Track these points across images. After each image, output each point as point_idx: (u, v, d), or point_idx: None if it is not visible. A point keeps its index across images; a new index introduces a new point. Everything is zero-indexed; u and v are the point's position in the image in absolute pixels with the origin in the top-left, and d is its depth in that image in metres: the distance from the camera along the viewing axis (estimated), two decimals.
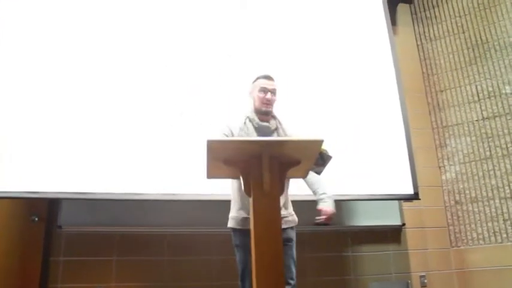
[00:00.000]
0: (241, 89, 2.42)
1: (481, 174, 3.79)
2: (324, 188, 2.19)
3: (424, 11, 4.37)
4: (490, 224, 3.67)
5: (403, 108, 3.59)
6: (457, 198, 3.86)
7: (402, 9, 4.40)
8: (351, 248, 3.52)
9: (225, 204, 2.23)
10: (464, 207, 3.81)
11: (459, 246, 3.77)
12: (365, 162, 3.27)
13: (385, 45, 3.74)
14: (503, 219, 3.62)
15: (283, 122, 2.28)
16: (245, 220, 2.02)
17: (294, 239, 2.15)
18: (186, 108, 3.03)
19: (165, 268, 3.08)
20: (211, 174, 1.70)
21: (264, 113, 2.22)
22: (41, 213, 3.01)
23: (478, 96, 3.93)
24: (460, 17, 4.17)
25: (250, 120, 2.20)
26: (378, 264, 3.52)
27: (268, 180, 1.56)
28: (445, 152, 4.00)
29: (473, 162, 3.85)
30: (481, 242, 3.68)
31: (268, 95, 2.21)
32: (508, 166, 3.68)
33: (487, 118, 3.85)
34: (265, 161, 1.57)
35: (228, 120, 2.25)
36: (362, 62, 3.60)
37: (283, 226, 2.06)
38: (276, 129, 2.23)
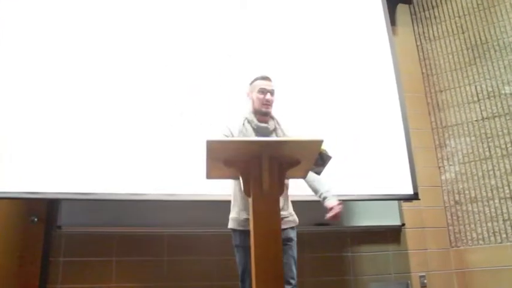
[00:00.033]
0: (241, 89, 2.41)
1: (480, 174, 3.79)
2: (327, 186, 2.18)
3: (424, 11, 4.37)
4: (489, 224, 3.67)
5: (403, 109, 3.59)
6: (457, 198, 3.86)
7: (402, 9, 4.40)
8: (350, 248, 3.52)
9: (225, 205, 2.23)
10: (464, 208, 3.81)
11: (459, 247, 3.77)
12: (365, 163, 3.27)
13: (385, 45, 3.74)
14: (503, 220, 3.63)
15: (282, 123, 2.29)
16: (246, 221, 2.02)
17: (295, 239, 2.15)
18: (186, 108, 3.03)
19: (165, 268, 3.08)
20: (210, 174, 1.70)
21: (264, 113, 2.22)
22: (41, 213, 3.00)
23: (478, 96, 3.93)
24: (459, 17, 4.17)
25: (248, 122, 2.21)
26: (377, 265, 3.52)
27: (268, 180, 1.57)
28: (444, 152, 4.00)
29: (472, 163, 3.85)
30: (480, 242, 3.69)
31: (268, 96, 2.21)
32: (508, 166, 3.68)
33: (486, 118, 3.86)
34: (265, 162, 1.57)
35: (228, 121, 2.25)
36: (361, 63, 3.59)
37: (284, 226, 2.07)
38: (275, 129, 2.24)
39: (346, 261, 3.48)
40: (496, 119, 3.81)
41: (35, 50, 2.88)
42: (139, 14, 3.17)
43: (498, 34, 3.94)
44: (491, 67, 3.92)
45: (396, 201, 3.66)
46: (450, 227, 3.84)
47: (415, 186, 3.42)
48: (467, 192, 3.83)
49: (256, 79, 2.27)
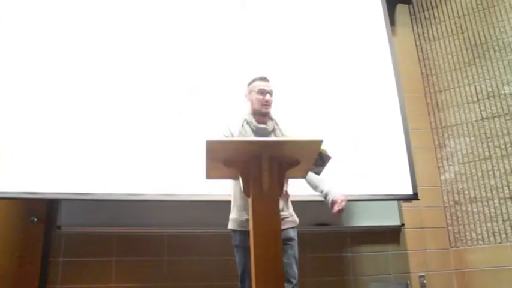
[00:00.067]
0: (241, 89, 2.41)
1: (480, 174, 3.79)
2: (329, 182, 2.18)
3: (423, 11, 4.38)
4: (489, 225, 3.67)
5: (402, 109, 3.59)
6: (456, 198, 3.86)
7: (401, 9, 4.40)
8: (350, 248, 3.52)
9: (225, 205, 2.23)
10: (464, 208, 3.81)
11: (458, 247, 3.78)
12: (364, 163, 3.27)
13: (384, 45, 3.74)
14: (503, 220, 3.63)
15: (280, 123, 2.29)
16: (247, 222, 2.02)
17: (295, 238, 2.15)
18: (186, 108, 3.03)
19: (165, 268, 3.08)
20: (210, 174, 1.70)
21: (263, 114, 2.23)
22: (40, 213, 3.00)
23: (477, 96, 3.94)
24: (459, 17, 4.17)
25: (247, 123, 2.21)
26: (377, 265, 3.52)
27: (268, 180, 1.57)
28: (444, 153, 4.00)
29: (472, 163, 3.85)
30: (480, 242, 3.69)
31: (267, 97, 2.22)
32: (507, 166, 3.68)
33: (486, 118, 3.86)
34: (265, 162, 1.57)
35: (228, 122, 2.25)
36: (361, 63, 3.60)
37: (284, 226, 2.08)
38: (273, 130, 2.24)
39: (346, 261, 3.48)
40: (496, 119, 3.81)
41: (35, 50, 2.88)
42: (139, 14, 3.17)
43: (498, 34, 3.94)
44: (490, 67, 3.92)
45: (396, 202, 3.66)
46: (450, 227, 3.84)
47: (414, 187, 3.43)
48: (466, 192, 3.83)
49: (254, 80, 2.27)
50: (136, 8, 3.18)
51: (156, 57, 3.10)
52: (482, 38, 4.01)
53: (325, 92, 3.38)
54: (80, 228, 2.96)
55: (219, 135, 2.18)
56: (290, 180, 2.11)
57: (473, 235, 3.73)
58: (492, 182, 3.72)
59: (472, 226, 3.75)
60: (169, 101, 3.02)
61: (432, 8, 4.33)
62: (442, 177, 3.96)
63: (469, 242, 3.73)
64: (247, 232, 1.75)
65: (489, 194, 3.72)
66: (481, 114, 3.89)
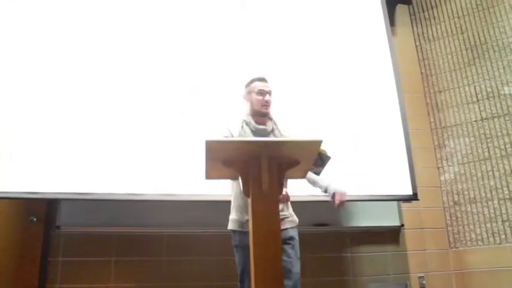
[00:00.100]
0: (241, 89, 2.41)
1: (479, 175, 3.79)
2: (328, 179, 2.19)
3: (423, 11, 4.38)
4: (488, 225, 3.67)
5: (402, 109, 3.59)
6: (456, 199, 3.86)
7: (401, 10, 4.40)
8: (349, 248, 3.52)
9: (225, 205, 2.23)
10: (463, 208, 3.81)
11: (458, 247, 3.78)
12: (364, 163, 3.27)
13: (384, 46, 3.74)
14: (502, 220, 3.63)
15: (279, 123, 2.29)
16: (247, 223, 2.02)
17: (297, 237, 2.16)
18: (186, 108, 3.03)
19: (164, 268, 3.07)
20: (210, 175, 1.70)
21: (263, 114, 2.23)
22: (40, 213, 3.00)
23: (477, 97, 3.94)
24: (458, 17, 4.18)
25: (247, 124, 2.22)
26: (376, 265, 3.52)
27: (267, 180, 1.57)
28: (443, 153, 4.00)
29: (472, 163, 3.85)
30: (479, 243, 3.69)
31: (267, 97, 2.22)
32: (507, 167, 3.68)
33: (485, 119, 3.86)
34: (264, 162, 1.57)
35: (228, 122, 2.25)
36: (361, 63, 3.60)
37: (285, 226, 2.09)
38: (272, 130, 2.24)
39: (346, 262, 3.48)
40: (495, 119, 3.81)
41: (35, 50, 2.88)
42: (140, 14, 3.18)
43: (497, 35, 3.94)
44: (490, 68, 3.92)
45: (395, 202, 3.66)
46: (449, 228, 3.84)
47: (414, 187, 3.43)
48: (466, 193, 3.83)
49: (252, 81, 2.27)
50: (136, 8, 3.19)
51: (156, 57, 3.10)
52: (482, 39, 4.01)
53: (325, 92, 3.39)
54: (80, 228, 2.96)
55: (218, 136, 2.18)
56: (289, 181, 2.11)
57: (473, 236, 3.73)
58: (492, 183, 3.72)
59: (471, 227, 3.75)
60: (169, 101, 3.02)
61: (432, 8, 4.34)
62: (442, 178, 3.96)
63: (469, 242, 3.73)
64: (247, 232, 1.75)
65: (489, 195, 3.72)
66: (480, 114, 3.89)
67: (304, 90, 3.32)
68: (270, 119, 2.27)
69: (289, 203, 2.21)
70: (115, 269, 3.00)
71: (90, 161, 2.76)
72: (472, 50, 4.04)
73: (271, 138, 2.13)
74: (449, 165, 3.95)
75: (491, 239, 3.64)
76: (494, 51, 3.92)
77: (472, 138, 3.89)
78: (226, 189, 2.25)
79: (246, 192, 1.59)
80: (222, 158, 1.60)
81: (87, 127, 2.82)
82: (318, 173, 2.05)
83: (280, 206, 2.01)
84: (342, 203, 2.12)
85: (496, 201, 3.68)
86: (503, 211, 3.64)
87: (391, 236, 3.67)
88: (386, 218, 3.64)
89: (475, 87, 3.96)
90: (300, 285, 2.08)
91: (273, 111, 2.28)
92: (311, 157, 1.72)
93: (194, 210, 2.99)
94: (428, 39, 4.29)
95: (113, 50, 3.03)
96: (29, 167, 2.66)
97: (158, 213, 3.00)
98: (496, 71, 3.89)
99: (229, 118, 2.42)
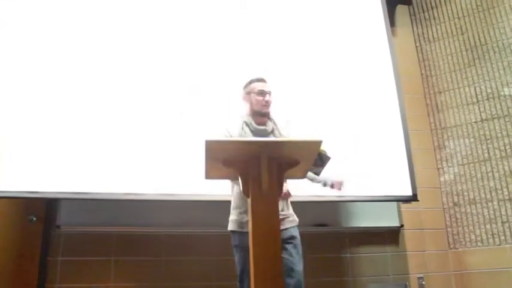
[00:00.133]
0: (240, 90, 2.41)
1: (479, 176, 3.79)
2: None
3: (423, 12, 4.38)
4: (488, 226, 3.67)
5: (402, 110, 3.59)
6: (456, 200, 3.86)
7: (401, 10, 4.40)
8: (349, 249, 3.52)
9: (224, 205, 2.23)
10: (463, 209, 3.81)
11: (457, 248, 3.78)
12: (364, 164, 3.27)
13: (384, 46, 3.74)
14: (502, 222, 3.63)
15: (278, 123, 2.29)
16: (247, 223, 2.02)
17: (298, 236, 2.16)
18: (186, 108, 3.03)
19: (164, 268, 3.07)
20: (209, 174, 1.70)
21: (264, 114, 2.23)
22: (39, 213, 3.00)
23: (477, 98, 3.94)
24: (458, 18, 4.18)
25: (247, 125, 2.22)
26: (376, 266, 3.52)
27: (267, 180, 1.57)
28: (443, 154, 4.00)
29: (471, 164, 3.85)
30: (479, 244, 3.69)
31: (267, 97, 2.22)
32: (507, 168, 3.68)
33: (485, 120, 3.86)
34: (264, 162, 1.57)
35: (227, 124, 2.25)
36: (361, 64, 3.60)
37: (286, 226, 2.10)
38: (273, 131, 2.25)
39: (345, 262, 3.48)
40: (495, 120, 3.81)
41: (35, 50, 2.88)
42: (140, 14, 3.18)
43: (497, 35, 3.94)
44: (490, 68, 3.92)
45: (395, 203, 3.66)
46: (449, 229, 3.84)
47: (414, 188, 3.43)
48: (466, 193, 3.83)
49: (251, 81, 2.27)
50: (136, 8, 3.19)
51: (156, 57, 3.10)
52: (482, 39, 4.01)
53: (325, 92, 3.39)
54: (79, 228, 2.96)
55: (218, 136, 2.17)
56: (288, 181, 2.12)
57: (472, 237, 3.73)
58: (491, 184, 3.72)
59: (471, 228, 3.75)
60: (169, 101, 3.02)
61: (432, 9, 4.34)
62: (442, 179, 3.96)
63: (468, 243, 3.73)
64: (247, 233, 1.75)
65: (488, 196, 3.72)
66: (480, 115, 3.89)
67: (304, 91, 3.32)
68: (270, 119, 2.28)
69: (289, 203, 2.22)
70: (115, 269, 3.00)
71: (90, 161, 2.76)
72: (472, 51, 4.04)
73: (271, 139, 2.13)
74: (449, 166, 3.95)
75: (490, 240, 3.64)
76: (495, 52, 3.92)
77: (472, 139, 3.89)
78: (226, 189, 2.25)
79: (245, 192, 1.59)
80: (222, 158, 1.60)
81: (87, 127, 2.82)
82: (317, 173, 2.05)
83: (281, 206, 2.02)
84: (341, 184, 2.13)
85: (495, 202, 3.68)
86: (503, 212, 3.64)
87: (390, 236, 3.67)
88: (386, 218, 3.64)
89: (475, 88, 3.96)
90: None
91: (272, 111, 2.28)
92: (311, 157, 1.72)
93: (194, 210, 2.99)
94: (429, 39, 4.29)
95: (113, 50, 3.03)
96: (29, 166, 2.66)
97: (158, 213, 3.00)
98: (496, 72, 3.89)
99: (229, 118, 2.42)
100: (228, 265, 2.34)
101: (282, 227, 2.04)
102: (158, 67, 3.08)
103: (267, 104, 2.22)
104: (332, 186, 2.15)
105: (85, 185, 2.72)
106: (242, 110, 2.30)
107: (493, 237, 3.63)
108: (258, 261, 1.50)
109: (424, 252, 3.71)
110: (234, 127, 2.22)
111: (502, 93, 3.82)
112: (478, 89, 3.95)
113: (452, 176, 3.91)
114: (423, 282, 3.59)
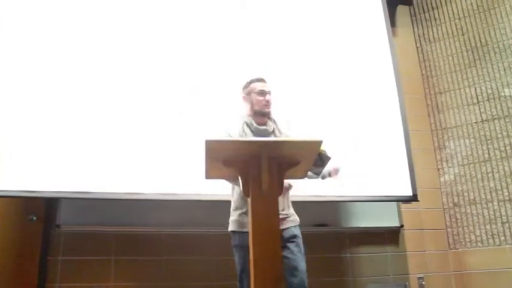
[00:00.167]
0: (239, 90, 2.41)
1: (479, 176, 3.79)
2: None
3: (424, 12, 4.38)
4: (488, 227, 3.67)
5: (402, 110, 3.59)
6: (456, 200, 3.86)
7: (401, 10, 4.40)
8: (349, 249, 3.52)
9: (225, 205, 2.23)
10: (463, 210, 3.81)
11: (457, 249, 3.78)
12: (364, 164, 3.27)
13: (385, 47, 3.74)
14: (502, 222, 3.63)
15: (278, 122, 2.30)
16: (247, 224, 2.02)
17: (300, 235, 2.16)
18: (186, 108, 3.03)
19: (164, 268, 3.07)
20: (209, 174, 1.70)
21: (265, 114, 2.23)
22: (39, 212, 3.00)
23: (477, 98, 3.94)
24: (459, 19, 4.18)
25: (248, 125, 2.22)
26: (375, 266, 3.52)
27: (267, 180, 1.57)
28: (443, 154, 4.00)
29: (472, 165, 3.85)
30: (479, 244, 3.69)
31: (267, 97, 2.22)
32: (507, 168, 3.68)
33: (486, 120, 3.86)
34: (264, 162, 1.58)
35: (227, 125, 2.25)
36: (361, 64, 3.60)
37: (287, 225, 2.10)
38: (273, 131, 2.25)
39: (345, 262, 3.48)
40: (496, 121, 3.81)
41: (35, 50, 2.88)
42: (140, 14, 3.18)
43: (498, 36, 3.94)
44: (491, 69, 3.92)
45: (395, 203, 3.66)
46: (449, 229, 3.84)
47: (414, 188, 3.43)
48: (466, 194, 3.83)
49: (251, 82, 2.27)
50: (136, 8, 3.19)
51: (156, 57, 3.10)
52: (483, 40, 4.01)
53: (326, 92, 3.39)
54: (79, 227, 2.96)
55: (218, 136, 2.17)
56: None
57: (472, 237, 3.73)
58: (491, 184, 3.72)
59: (471, 228, 3.75)
60: (169, 101, 3.02)
61: (433, 10, 4.34)
62: (442, 179, 3.96)
63: (468, 244, 3.73)
64: (247, 233, 1.75)
65: (488, 196, 3.72)
66: (481, 116, 3.89)
67: (305, 91, 3.32)
68: (271, 119, 2.28)
69: (290, 202, 2.22)
70: (115, 268, 3.00)
71: (90, 160, 2.76)
72: (472, 52, 4.04)
73: (271, 138, 2.13)
74: (449, 167, 3.95)
75: (490, 241, 3.64)
76: (495, 53, 3.92)
77: (472, 140, 3.89)
78: (226, 189, 2.25)
79: (245, 192, 1.60)
80: (222, 157, 1.60)
81: (87, 126, 2.82)
82: (318, 173, 2.05)
83: (281, 206, 2.01)
84: (337, 171, 2.16)
85: (495, 203, 3.68)
86: (503, 213, 3.64)
87: (390, 236, 3.67)
88: (386, 218, 3.64)
89: (475, 88, 3.96)
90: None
91: (273, 111, 2.28)
92: (311, 157, 1.72)
93: (194, 210, 2.99)
94: (429, 40, 4.29)
95: (113, 50, 3.03)
96: (29, 166, 2.66)
97: (158, 213, 3.00)
98: (496, 73, 3.89)
99: (229, 118, 2.42)
100: (228, 265, 2.34)
101: (283, 227, 2.04)
102: (158, 67, 3.08)
103: (267, 103, 2.22)
104: (329, 174, 2.15)
105: (85, 185, 2.71)
106: (242, 111, 2.30)
107: (493, 237, 3.64)
108: (258, 261, 1.51)
109: (424, 252, 3.71)
110: (234, 128, 2.22)
111: (503, 94, 3.82)
112: (478, 89, 3.95)
113: (452, 177, 3.92)
114: (423, 283, 3.59)
